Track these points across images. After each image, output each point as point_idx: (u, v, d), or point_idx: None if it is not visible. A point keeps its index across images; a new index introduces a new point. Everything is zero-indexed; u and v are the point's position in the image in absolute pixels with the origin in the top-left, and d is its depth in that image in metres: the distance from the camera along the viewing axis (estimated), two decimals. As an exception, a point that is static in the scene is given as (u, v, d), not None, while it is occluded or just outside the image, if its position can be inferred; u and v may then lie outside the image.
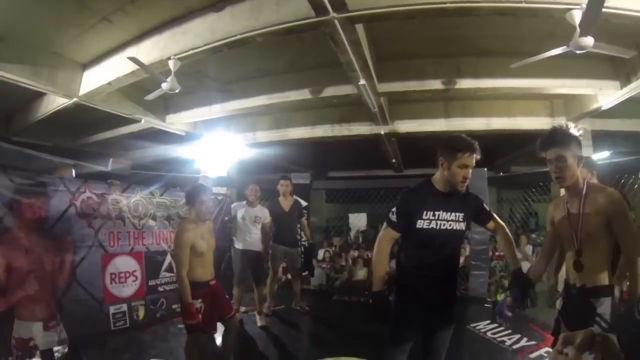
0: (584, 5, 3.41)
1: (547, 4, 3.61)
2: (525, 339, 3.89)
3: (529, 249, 6.13)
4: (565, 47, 3.75)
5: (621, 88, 5.07)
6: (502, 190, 8.51)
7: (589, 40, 3.55)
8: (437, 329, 2.24)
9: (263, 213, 4.52)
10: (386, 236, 2.24)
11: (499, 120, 6.55)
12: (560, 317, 2.09)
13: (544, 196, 6.09)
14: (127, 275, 3.41)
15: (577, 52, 3.67)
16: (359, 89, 5.30)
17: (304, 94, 6.05)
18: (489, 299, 5.36)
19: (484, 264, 5.65)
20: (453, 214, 2.16)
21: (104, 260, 3.25)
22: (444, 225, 2.15)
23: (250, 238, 4.40)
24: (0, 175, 2.55)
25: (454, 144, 2.12)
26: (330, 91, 5.92)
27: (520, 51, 4.73)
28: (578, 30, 3.54)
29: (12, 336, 2.34)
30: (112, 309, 3.25)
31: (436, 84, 5.50)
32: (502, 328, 4.09)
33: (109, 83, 5.51)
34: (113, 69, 5.39)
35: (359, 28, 4.23)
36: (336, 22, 3.80)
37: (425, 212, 2.14)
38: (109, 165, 4.20)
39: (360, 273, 6.46)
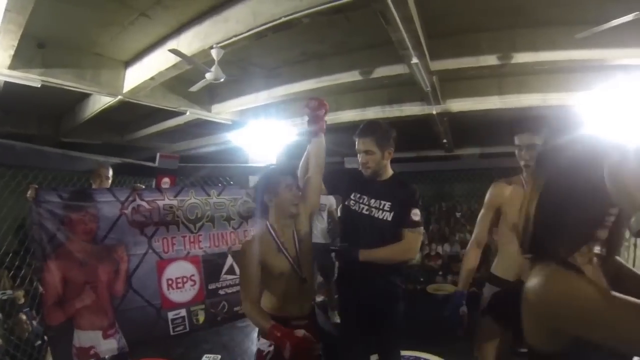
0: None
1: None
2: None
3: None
4: (638, 12, 3.52)
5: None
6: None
7: (667, 3, 3.33)
8: (379, 328, 2.15)
9: (328, 200, 4.15)
10: None
11: (556, 95, 6.23)
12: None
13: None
14: (185, 280, 3.25)
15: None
16: (410, 68, 5.18)
17: (354, 76, 5.97)
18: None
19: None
20: (377, 201, 2.18)
21: (160, 267, 3.14)
22: (366, 210, 2.18)
23: (315, 229, 3.97)
24: (49, 193, 2.59)
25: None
26: (380, 71, 5.83)
27: (580, 19, 4.43)
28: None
29: (73, 345, 2.49)
30: (170, 315, 3.14)
31: (491, 60, 5.27)
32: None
33: (152, 78, 5.60)
34: (155, 64, 5.45)
35: (411, 3, 4.07)
36: (388, -4, 3.65)
37: (354, 193, 2.26)
38: (157, 161, 4.16)
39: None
